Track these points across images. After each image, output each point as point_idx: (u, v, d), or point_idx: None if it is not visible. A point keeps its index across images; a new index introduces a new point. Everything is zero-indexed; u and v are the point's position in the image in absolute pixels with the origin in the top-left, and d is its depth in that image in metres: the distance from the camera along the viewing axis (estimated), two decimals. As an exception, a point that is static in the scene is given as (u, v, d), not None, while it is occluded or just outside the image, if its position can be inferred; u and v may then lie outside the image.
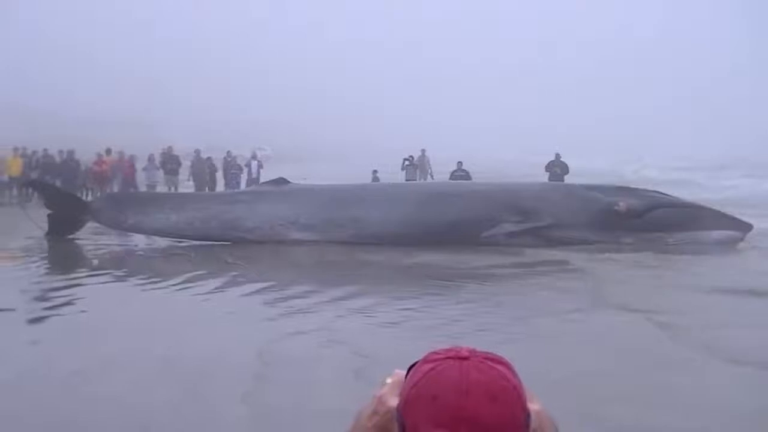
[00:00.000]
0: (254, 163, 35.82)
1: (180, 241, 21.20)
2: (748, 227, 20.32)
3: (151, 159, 34.35)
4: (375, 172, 33.94)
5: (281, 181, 22.60)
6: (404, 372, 1.75)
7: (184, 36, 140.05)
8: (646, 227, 20.00)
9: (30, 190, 28.65)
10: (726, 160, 68.45)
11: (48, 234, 21.74)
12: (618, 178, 41.21)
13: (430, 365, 1.59)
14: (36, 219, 22.11)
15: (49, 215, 22.18)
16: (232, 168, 35.25)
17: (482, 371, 1.55)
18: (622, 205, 20.11)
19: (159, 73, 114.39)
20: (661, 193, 22.02)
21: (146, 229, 21.77)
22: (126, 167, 33.75)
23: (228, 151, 37.06)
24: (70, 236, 21.97)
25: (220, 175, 35.26)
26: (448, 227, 20.11)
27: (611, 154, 77.63)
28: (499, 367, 1.57)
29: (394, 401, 1.71)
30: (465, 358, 1.58)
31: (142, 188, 32.29)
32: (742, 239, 20.15)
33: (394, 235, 20.11)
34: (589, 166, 48.74)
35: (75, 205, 22.76)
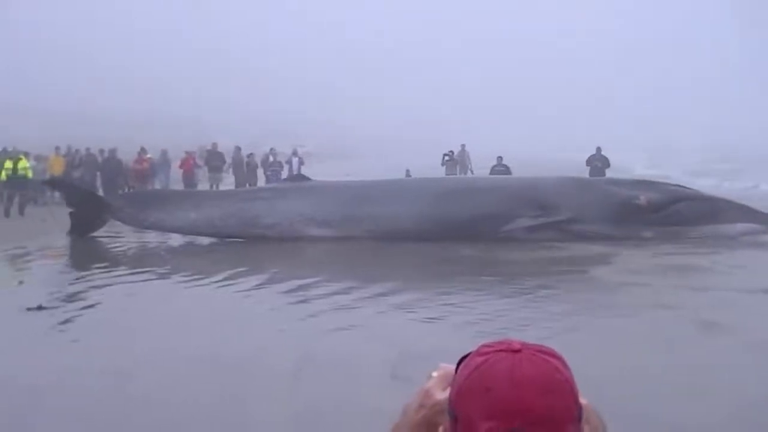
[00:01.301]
0: (295, 160, 35.96)
1: (220, 240, 21.24)
2: None
3: (163, 153, 34.78)
4: (408, 171, 33.93)
5: (301, 178, 22.74)
6: (450, 366, 1.76)
7: (222, 34, 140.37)
8: (667, 221, 19.78)
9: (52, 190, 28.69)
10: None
11: (70, 232, 21.98)
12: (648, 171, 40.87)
13: (483, 357, 1.59)
14: (61, 218, 22.31)
15: (70, 213, 22.44)
16: (272, 165, 35.37)
17: (535, 364, 1.55)
18: (643, 198, 19.90)
19: (197, 72, 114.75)
20: (682, 186, 21.87)
21: (166, 227, 21.91)
22: (186, 164, 34.11)
23: (271, 149, 37.28)
24: (92, 234, 22.14)
25: (260, 172, 35.40)
26: (466, 222, 19.96)
27: (647, 148, 76.81)
28: (552, 360, 1.57)
29: (440, 395, 1.73)
30: (517, 351, 1.58)
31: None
32: (765, 232, 19.78)
33: (412, 231, 20.00)
34: (626, 161, 48.21)
35: (96, 203, 22.94)
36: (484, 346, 1.64)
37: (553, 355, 1.60)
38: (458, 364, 1.67)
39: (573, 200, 20.26)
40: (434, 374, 1.80)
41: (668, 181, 23.85)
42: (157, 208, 21.79)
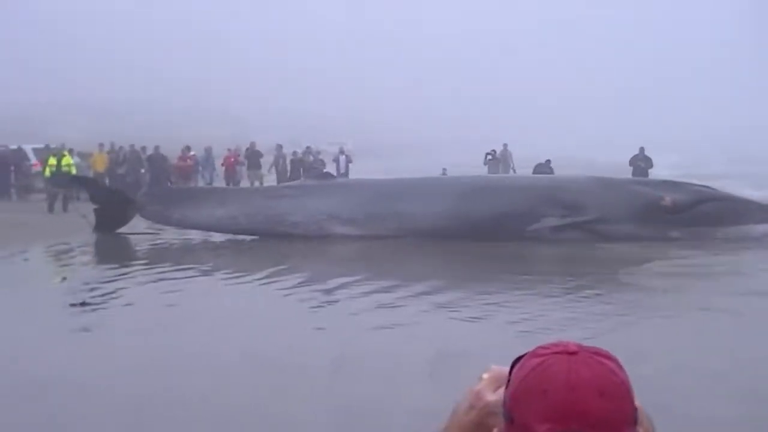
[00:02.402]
0: (342, 158, 36.02)
1: (261, 238, 21.29)
2: None
3: (208, 151, 35.07)
4: (444, 170, 33.90)
5: (326, 176, 22.94)
6: (500, 367, 1.77)
7: (264, 33, 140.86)
8: (693, 221, 19.67)
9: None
10: None
11: (95, 229, 22.15)
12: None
13: (539, 359, 1.59)
14: (89, 216, 22.52)
15: (95, 210, 22.62)
16: (313, 163, 35.46)
17: (591, 366, 1.55)
18: (668, 199, 19.82)
19: (237, 72, 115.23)
20: (707, 186, 21.73)
21: (191, 224, 22.04)
22: (229, 161, 34.38)
23: (307, 146, 37.48)
24: (118, 231, 22.28)
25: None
26: (491, 221, 19.91)
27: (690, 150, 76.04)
28: (608, 362, 1.57)
29: (491, 396, 1.74)
30: (573, 353, 1.57)
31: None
32: None
33: (436, 229, 20.01)
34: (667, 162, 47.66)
35: (121, 200, 23.12)
36: (540, 347, 1.63)
37: (609, 357, 1.60)
38: (512, 366, 1.67)
39: (598, 200, 20.21)
40: (485, 375, 1.80)
41: (693, 181, 23.65)
42: (183, 205, 22.00)
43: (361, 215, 20.86)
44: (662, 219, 19.68)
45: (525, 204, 20.18)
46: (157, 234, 22.18)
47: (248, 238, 21.40)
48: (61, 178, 28.50)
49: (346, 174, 33.76)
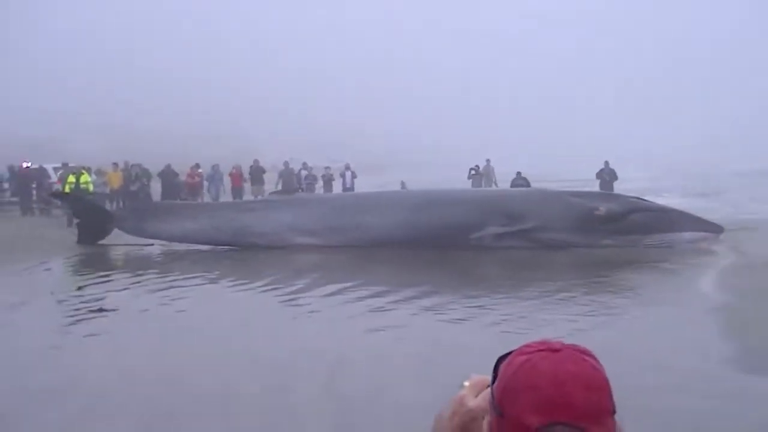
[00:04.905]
0: (348, 174, 36.15)
1: (264, 248, 21.27)
2: (719, 229, 20.25)
3: (214, 168, 35.11)
4: (403, 183, 34.30)
5: (289, 192, 23.31)
6: (480, 376, 1.80)
7: (273, 45, 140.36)
8: (625, 230, 19.90)
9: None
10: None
11: (78, 241, 22.40)
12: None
13: (525, 357, 1.61)
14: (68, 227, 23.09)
15: (77, 224, 22.99)
16: (306, 178, 35.81)
17: (576, 362, 1.58)
18: (602, 209, 20.04)
19: (241, 91, 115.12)
20: (641, 198, 22.05)
21: (165, 236, 22.23)
22: (235, 177, 34.51)
23: (303, 163, 37.71)
24: (99, 243, 22.41)
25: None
26: (440, 231, 20.15)
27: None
28: (589, 358, 1.60)
29: (473, 402, 1.76)
30: (557, 351, 1.60)
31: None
32: (712, 239, 19.93)
33: (392, 239, 20.24)
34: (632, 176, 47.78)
35: (100, 214, 23.40)
36: (525, 346, 1.66)
37: (589, 354, 1.63)
38: (497, 364, 1.69)
39: (538, 210, 20.44)
40: (466, 383, 1.83)
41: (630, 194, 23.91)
42: (157, 219, 22.26)
43: (322, 227, 21.17)
44: (597, 228, 19.90)
45: (470, 215, 20.48)
46: (168, 245, 22.19)
47: (251, 249, 21.32)
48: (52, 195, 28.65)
49: (352, 188, 34.00)
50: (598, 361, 1.62)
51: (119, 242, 22.33)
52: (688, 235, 19.93)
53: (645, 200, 21.83)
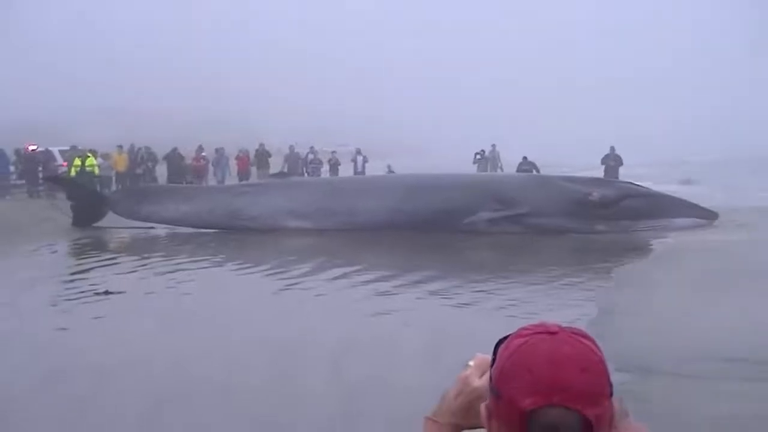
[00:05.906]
0: (359, 158, 36.22)
1: (270, 232, 21.27)
2: (713, 215, 20.27)
3: (219, 151, 35.14)
4: (389, 167, 34.28)
5: (282, 175, 23.38)
6: (485, 355, 1.79)
7: (277, 36, 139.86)
8: (618, 215, 19.88)
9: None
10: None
11: (73, 224, 22.55)
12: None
13: (522, 339, 1.60)
14: (67, 210, 23.06)
15: (71, 207, 23.06)
16: (312, 162, 35.92)
17: (572, 345, 1.57)
18: (595, 194, 20.05)
19: (247, 73, 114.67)
20: (634, 184, 21.97)
21: (158, 219, 22.31)
22: (241, 161, 34.59)
23: (311, 147, 37.71)
24: (94, 225, 22.57)
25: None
26: (432, 215, 20.10)
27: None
28: (586, 341, 1.59)
29: (478, 382, 1.77)
30: (554, 333, 1.59)
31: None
32: (706, 225, 19.93)
33: (382, 223, 20.24)
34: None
35: (95, 197, 23.61)
36: (522, 328, 1.65)
37: (587, 336, 1.62)
38: (496, 346, 1.68)
39: (531, 196, 20.39)
40: (470, 363, 1.83)
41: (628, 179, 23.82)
42: (151, 202, 22.38)
43: (314, 210, 21.20)
44: (590, 213, 19.90)
45: (462, 200, 20.40)
46: (175, 228, 22.21)
47: (256, 232, 21.30)
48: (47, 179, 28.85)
49: (363, 172, 34.12)
50: (596, 344, 1.61)
51: (124, 225, 22.37)
52: (681, 221, 19.93)
53: (639, 186, 21.80)
